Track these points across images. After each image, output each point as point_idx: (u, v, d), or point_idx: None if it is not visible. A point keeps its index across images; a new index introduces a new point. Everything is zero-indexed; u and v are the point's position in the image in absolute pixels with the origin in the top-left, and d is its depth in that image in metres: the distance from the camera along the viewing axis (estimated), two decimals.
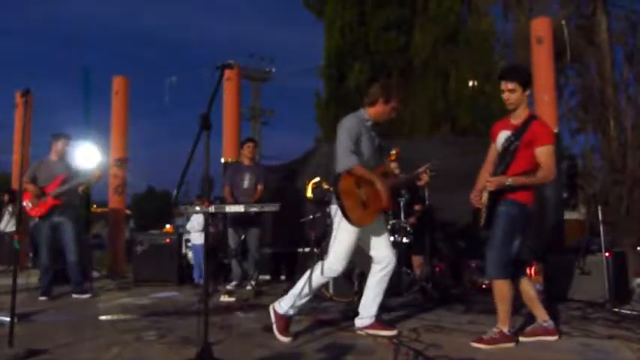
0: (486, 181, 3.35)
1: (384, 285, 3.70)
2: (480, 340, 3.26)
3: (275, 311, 3.51)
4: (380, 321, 3.72)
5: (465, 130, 10.84)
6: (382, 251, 3.67)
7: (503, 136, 3.43)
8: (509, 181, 3.25)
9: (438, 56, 11.39)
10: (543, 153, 3.28)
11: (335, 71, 11.87)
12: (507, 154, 3.34)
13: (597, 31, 10.91)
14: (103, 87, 9.06)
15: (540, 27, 6.93)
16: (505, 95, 3.38)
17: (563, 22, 7.98)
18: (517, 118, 3.41)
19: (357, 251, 3.63)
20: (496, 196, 3.32)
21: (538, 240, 5.93)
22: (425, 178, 3.69)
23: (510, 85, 3.35)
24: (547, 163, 3.27)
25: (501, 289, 3.31)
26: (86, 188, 5.80)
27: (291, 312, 3.51)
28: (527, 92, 3.41)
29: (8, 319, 3.22)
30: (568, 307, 4.58)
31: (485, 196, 3.38)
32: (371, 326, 3.64)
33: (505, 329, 3.30)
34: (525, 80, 3.40)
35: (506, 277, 3.30)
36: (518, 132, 3.33)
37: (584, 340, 3.41)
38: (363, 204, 3.49)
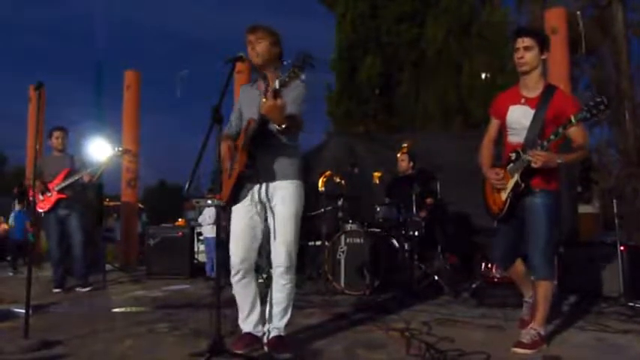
0: (533, 154, 2.84)
1: (279, 293, 2.97)
2: (522, 345, 2.94)
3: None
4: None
5: (478, 123, 10.76)
6: (276, 252, 2.98)
7: (519, 112, 3.07)
8: (560, 159, 2.87)
9: (451, 48, 11.31)
10: (578, 127, 2.88)
11: (346, 64, 11.84)
12: (534, 132, 2.97)
13: (613, 22, 10.73)
14: (116, 81, 9.10)
15: (555, 18, 6.83)
16: (519, 54, 3.02)
17: (578, 12, 7.85)
18: (532, 91, 3.07)
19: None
20: (527, 180, 2.97)
21: None
22: (267, 102, 2.66)
23: (527, 41, 3.01)
24: (583, 134, 2.96)
25: (548, 288, 3.06)
26: (92, 178, 5.80)
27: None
28: (544, 56, 3.06)
29: (23, 310, 3.26)
30: (582, 300, 4.53)
31: (512, 181, 3.02)
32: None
33: (543, 331, 3.05)
34: (543, 40, 3.05)
35: (554, 276, 3.10)
36: (543, 107, 2.98)
37: (598, 335, 3.37)
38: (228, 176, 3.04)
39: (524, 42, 3.02)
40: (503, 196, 3.09)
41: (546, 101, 2.99)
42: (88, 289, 5.69)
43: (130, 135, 8.70)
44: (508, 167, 3.07)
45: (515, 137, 3.10)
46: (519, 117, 3.08)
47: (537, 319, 3.07)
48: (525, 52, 3.02)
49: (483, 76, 11.06)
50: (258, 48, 2.99)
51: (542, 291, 3.06)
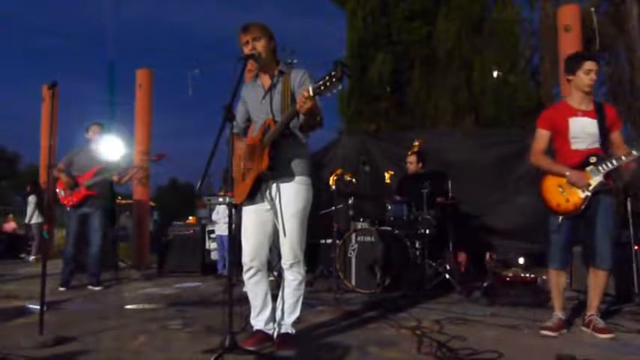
0: (632, 161, 3.30)
1: (286, 289, 3.05)
2: (604, 330, 3.28)
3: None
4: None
5: (489, 121, 10.69)
6: (281, 248, 3.04)
7: (582, 122, 3.42)
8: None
9: (462, 46, 11.23)
10: (621, 135, 3.46)
11: (357, 62, 11.79)
12: (604, 140, 3.38)
13: (627, 19, 10.60)
14: (129, 80, 9.15)
15: (568, 15, 6.76)
16: (592, 76, 3.41)
17: (592, 9, 7.76)
18: (585, 105, 3.46)
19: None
20: (608, 180, 3.34)
21: None
22: (306, 105, 2.63)
23: (598, 66, 3.41)
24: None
25: (607, 279, 3.40)
26: (121, 179, 5.84)
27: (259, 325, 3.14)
28: None
29: (38, 307, 3.30)
30: None
31: (597, 180, 3.32)
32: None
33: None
34: None
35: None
36: (602, 117, 3.39)
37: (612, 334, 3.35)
38: (242, 176, 3.07)
39: (595, 65, 3.42)
40: (582, 194, 3.35)
41: (602, 113, 3.42)
42: (99, 288, 5.72)
43: (142, 133, 8.76)
44: (588, 169, 3.36)
45: (580, 144, 3.43)
46: (583, 127, 3.42)
47: (596, 306, 3.40)
48: (595, 76, 3.42)
49: (495, 74, 10.98)
50: (259, 47, 2.97)
51: (602, 280, 3.38)
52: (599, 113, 3.40)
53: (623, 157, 3.29)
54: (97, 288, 5.69)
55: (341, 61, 2.50)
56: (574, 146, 3.44)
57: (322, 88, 2.54)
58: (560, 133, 3.48)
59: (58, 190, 5.70)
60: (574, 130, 3.43)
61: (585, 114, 3.42)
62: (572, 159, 3.42)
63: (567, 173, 3.38)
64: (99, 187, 5.73)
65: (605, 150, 3.38)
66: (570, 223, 3.42)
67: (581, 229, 3.45)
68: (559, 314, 3.46)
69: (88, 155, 5.82)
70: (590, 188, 3.32)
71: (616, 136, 3.44)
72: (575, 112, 3.44)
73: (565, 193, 3.39)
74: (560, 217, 3.39)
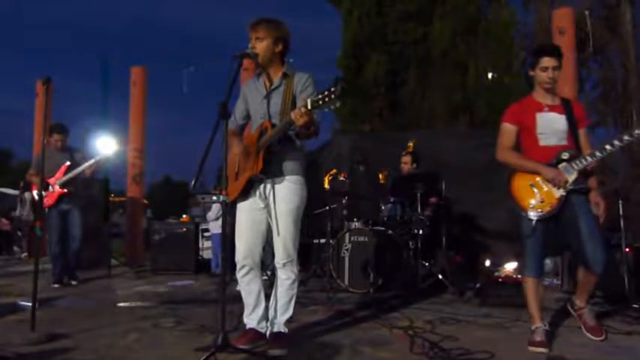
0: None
1: (279, 288, 3.05)
2: (595, 331, 3.28)
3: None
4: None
5: (483, 122, 10.74)
6: (275, 247, 3.04)
7: (548, 118, 3.25)
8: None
9: (457, 47, 11.28)
10: (587, 134, 3.33)
11: (352, 62, 11.80)
12: (575, 136, 3.24)
13: (621, 22, 10.68)
14: (123, 78, 9.09)
15: (562, 18, 6.80)
16: (549, 73, 3.23)
17: (586, 12, 7.81)
18: (551, 100, 3.30)
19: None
20: (582, 180, 3.18)
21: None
22: (302, 119, 2.65)
23: (556, 61, 3.23)
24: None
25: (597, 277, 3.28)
26: (92, 171, 5.81)
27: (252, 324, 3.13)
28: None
29: (30, 304, 3.29)
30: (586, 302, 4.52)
31: (572, 177, 3.14)
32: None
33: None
34: (562, 56, 3.33)
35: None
36: (569, 113, 3.25)
37: None
38: (236, 174, 3.10)
39: (553, 62, 3.23)
40: (557, 193, 3.16)
41: (569, 108, 3.28)
42: (75, 282, 5.77)
43: (136, 131, 8.72)
44: (561, 166, 3.19)
45: (549, 141, 3.26)
46: (550, 122, 3.27)
47: (585, 299, 3.41)
48: (554, 72, 3.24)
49: (490, 75, 11.03)
50: (258, 47, 2.96)
51: (593, 280, 3.28)
52: (566, 109, 3.27)
53: (598, 153, 3.11)
54: (73, 282, 5.75)
55: (341, 78, 2.55)
56: (542, 142, 3.26)
57: (320, 103, 2.57)
58: (527, 129, 3.31)
59: (34, 193, 5.71)
60: (541, 126, 3.26)
61: (552, 109, 3.27)
62: (542, 156, 3.23)
63: (543, 170, 3.18)
64: (72, 185, 5.71)
65: (576, 147, 3.22)
66: (543, 226, 3.18)
67: (561, 234, 3.23)
68: (542, 326, 3.20)
69: (53, 157, 5.77)
70: (568, 186, 3.14)
71: (582, 134, 3.28)
72: (541, 107, 3.28)
73: (539, 194, 3.18)
74: (534, 221, 3.16)
